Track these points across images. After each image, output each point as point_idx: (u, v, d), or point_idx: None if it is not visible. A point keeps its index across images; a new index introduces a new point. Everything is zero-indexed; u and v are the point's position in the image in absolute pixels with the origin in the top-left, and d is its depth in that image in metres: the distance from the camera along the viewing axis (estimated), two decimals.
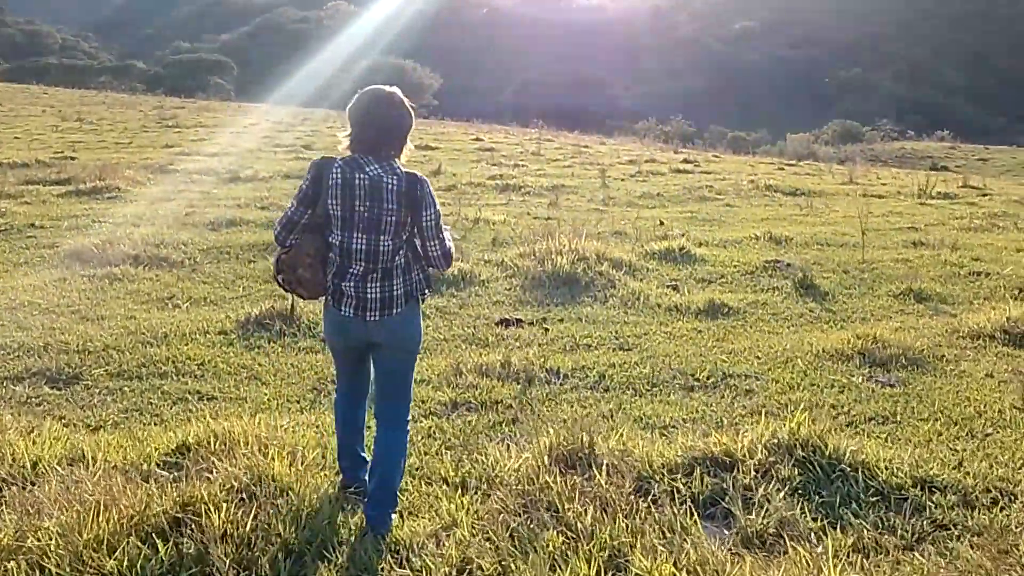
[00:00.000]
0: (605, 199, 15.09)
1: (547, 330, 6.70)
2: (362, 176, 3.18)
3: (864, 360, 5.67)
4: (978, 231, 11.43)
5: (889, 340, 5.95)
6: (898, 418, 4.62)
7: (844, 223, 12.29)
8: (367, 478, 3.51)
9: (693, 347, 6.19)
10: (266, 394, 5.23)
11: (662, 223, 12.00)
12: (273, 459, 3.68)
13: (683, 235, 10.52)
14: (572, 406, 4.94)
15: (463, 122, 40.75)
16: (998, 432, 4.38)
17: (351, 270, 3.23)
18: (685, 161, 23.27)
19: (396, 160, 3.30)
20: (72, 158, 18.38)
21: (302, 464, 3.74)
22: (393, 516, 3.40)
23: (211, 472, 3.64)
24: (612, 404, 4.94)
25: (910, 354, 5.73)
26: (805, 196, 15.77)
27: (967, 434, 4.35)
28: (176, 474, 3.75)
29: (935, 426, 4.47)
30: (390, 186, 3.19)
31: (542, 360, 5.70)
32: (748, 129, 68.59)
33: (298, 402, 5.13)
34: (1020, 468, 3.86)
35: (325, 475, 3.76)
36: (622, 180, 18.42)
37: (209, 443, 3.95)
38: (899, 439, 4.31)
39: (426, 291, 3.41)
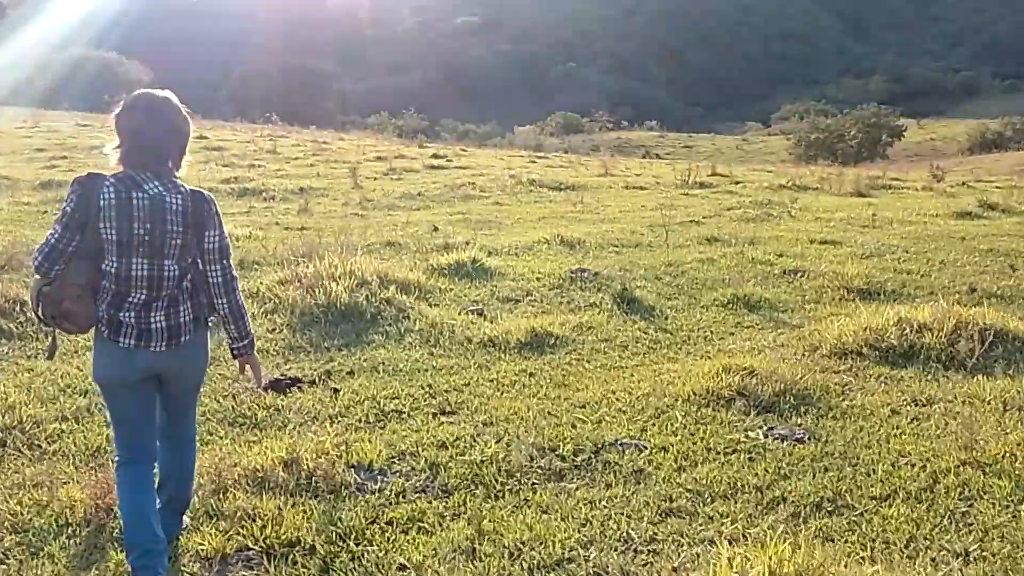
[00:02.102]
0: (362, 201, 13.38)
1: (337, 391, 4.97)
2: (140, 195, 2.86)
3: (749, 404, 4.55)
4: (757, 221, 11.11)
5: (760, 370, 4.90)
6: (849, 500, 3.48)
7: (625, 219, 11.55)
8: (158, 491, 3.15)
9: (535, 402, 4.76)
10: None
11: (436, 229, 10.54)
12: None
13: (468, 243, 9.13)
14: (408, 535, 3.30)
15: None
16: (979, 511, 3.36)
17: (130, 299, 2.89)
18: (435, 156, 22.03)
19: (176, 175, 2.98)
20: None
21: None
22: (185, 518, 3.33)
23: None
24: (464, 523, 3.36)
25: (794, 389, 4.70)
26: (572, 191, 15.05)
27: (948, 519, 3.29)
28: None
29: (903, 511, 3.37)
30: (173, 205, 2.90)
31: (343, 450, 4.00)
32: (477, 122, 69.54)
33: None
34: None
35: None
36: (375, 179, 16.76)
37: None
38: (875, 542, 3.14)
39: (213, 315, 3.10)
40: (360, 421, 4.54)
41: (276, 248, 8.80)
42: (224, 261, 2.99)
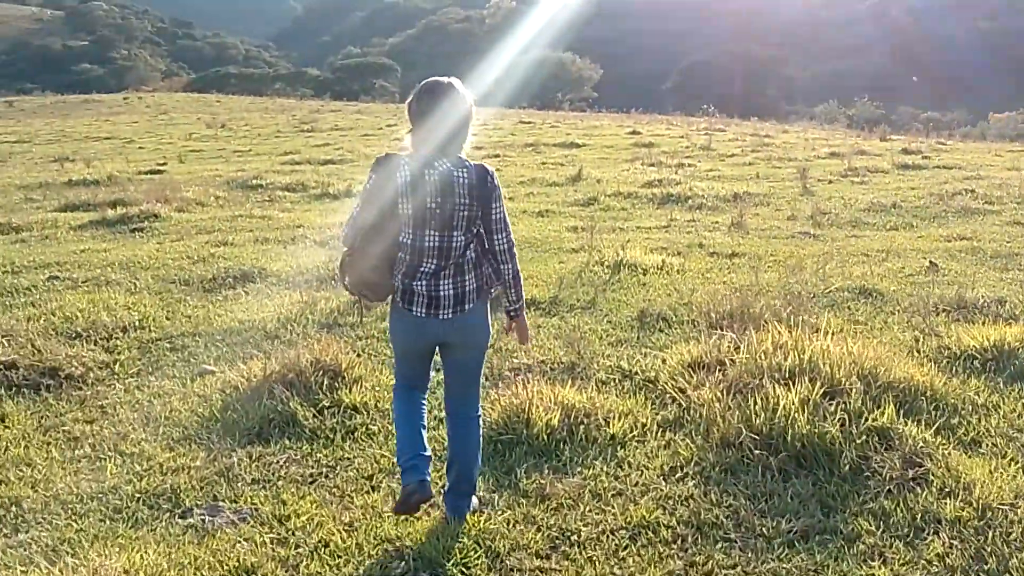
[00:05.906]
0: (814, 215, 10.18)
1: None
2: (431, 172, 3.02)
3: None
4: None
5: None
6: None
7: None
8: (447, 471, 3.34)
9: None
10: None
11: (936, 267, 7.06)
12: None
13: (1002, 302, 5.63)
14: None
15: (620, 113, 35.98)
16: None
17: (422, 268, 3.07)
18: (905, 152, 17.70)
19: (462, 152, 3.10)
20: (159, 172, 15.40)
21: None
22: (473, 499, 3.34)
23: None
24: None
25: None
26: None
27: None
28: None
29: None
30: (461, 180, 3.03)
31: None
32: (942, 110, 60.39)
33: None
34: None
35: None
36: (829, 183, 13.35)
37: None
38: None
39: (496, 285, 3.21)
40: None
41: (694, 293, 6.19)
42: (507, 230, 3.12)
